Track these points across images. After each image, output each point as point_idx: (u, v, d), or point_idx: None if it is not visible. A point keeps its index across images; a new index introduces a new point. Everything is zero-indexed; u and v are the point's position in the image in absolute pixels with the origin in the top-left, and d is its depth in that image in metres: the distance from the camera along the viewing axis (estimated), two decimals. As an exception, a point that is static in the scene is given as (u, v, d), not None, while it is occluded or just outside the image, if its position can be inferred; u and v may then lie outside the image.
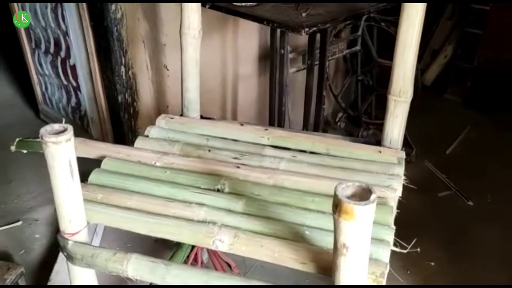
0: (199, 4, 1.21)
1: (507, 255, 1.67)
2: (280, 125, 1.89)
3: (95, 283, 0.95)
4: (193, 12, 1.20)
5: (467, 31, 2.57)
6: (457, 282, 1.53)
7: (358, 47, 2.06)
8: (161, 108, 1.85)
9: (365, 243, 0.69)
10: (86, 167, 1.04)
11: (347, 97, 2.43)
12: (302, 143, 1.17)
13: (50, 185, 0.83)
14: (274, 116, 1.92)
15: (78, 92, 2.09)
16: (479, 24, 2.50)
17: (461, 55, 2.68)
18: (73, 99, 2.17)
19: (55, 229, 1.78)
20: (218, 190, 1.01)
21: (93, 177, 1.05)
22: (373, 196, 0.66)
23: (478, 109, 2.60)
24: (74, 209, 0.87)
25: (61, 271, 1.47)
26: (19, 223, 1.80)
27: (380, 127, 2.33)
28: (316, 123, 1.72)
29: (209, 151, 1.15)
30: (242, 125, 1.26)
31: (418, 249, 0.82)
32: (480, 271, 1.61)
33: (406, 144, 2.30)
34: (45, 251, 1.67)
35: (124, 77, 1.76)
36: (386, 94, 1.09)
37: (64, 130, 0.81)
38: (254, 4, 1.54)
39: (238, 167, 1.07)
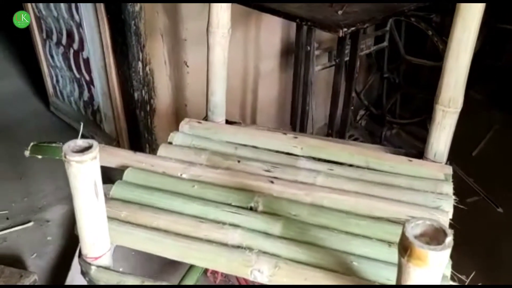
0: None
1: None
2: (303, 125, 1.81)
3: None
4: (222, 9, 1.11)
5: (498, 26, 2.45)
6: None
7: (385, 43, 1.95)
8: (179, 107, 1.76)
9: (435, 289, 0.60)
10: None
11: (369, 94, 2.33)
12: (339, 155, 1.08)
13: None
14: (297, 116, 1.84)
15: (91, 86, 2.01)
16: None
17: (488, 52, 2.56)
18: (86, 93, 2.08)
19: (68, 231, 1.72)
20: (251, 209, 0.92)
21: (116, 190, 0.97)
22: (448, 239, 0.57)
23: (505, 109, 2.49)
24: (98, 232, 0.79)
25: (75, 279, 1.40)
26: (30, 224, 1.73)
27: (404, 127, 2.26)
28: (343, 126, 1.63)
29: (239, 161, 1.06)
30: (273, 131, 1.17)
31: (480, 284, 0.74)
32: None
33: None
34: (58, 255, 1.61)
35: (141, 73, 1.67)
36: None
37: (89, 147, 0.73)
38: (283, -1, 1.43)
39: (271, 181, 0.99)
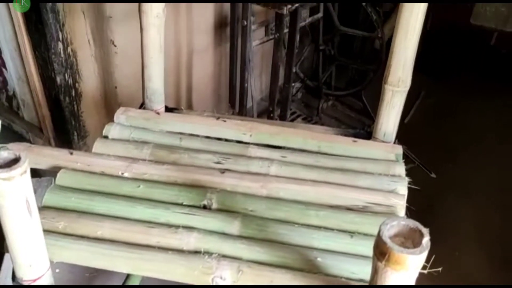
0: (162, -23, 1.01)
1: (481, 231, 1.69)
2: (242, 102, 1.75)
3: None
4: (155, -14, 1.00)
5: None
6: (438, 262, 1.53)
7: (320, 14, 1.91)
8: (108, 90, 1.62)
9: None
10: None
11: (304, 66, 2.30)
12: (291, 140, 1.04)
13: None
14: (235, 93, 1.77)
15: (3, 69, 1.79)
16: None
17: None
18: (-3, 77, 1.86)
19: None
20: (204, 207, 0.86)
21: (49, 197, 0.87)
22: (425, 240, 0.56)
23: (431, 74, 2.58)
24: (34, 253, 0.69)
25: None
26: None
27: (339, 99, 2.27)
28: (284, 103, 1.59)
29: (186, 154, 0.99)
30: (217, 118, 1.10)
31: (440, 269, 0.74)
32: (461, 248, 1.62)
33: (366, 114, 2.27)
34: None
35: (62, 55, 1.50)
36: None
37: (17, 160, 0.62)
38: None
39: (223, 172, 0.93)
